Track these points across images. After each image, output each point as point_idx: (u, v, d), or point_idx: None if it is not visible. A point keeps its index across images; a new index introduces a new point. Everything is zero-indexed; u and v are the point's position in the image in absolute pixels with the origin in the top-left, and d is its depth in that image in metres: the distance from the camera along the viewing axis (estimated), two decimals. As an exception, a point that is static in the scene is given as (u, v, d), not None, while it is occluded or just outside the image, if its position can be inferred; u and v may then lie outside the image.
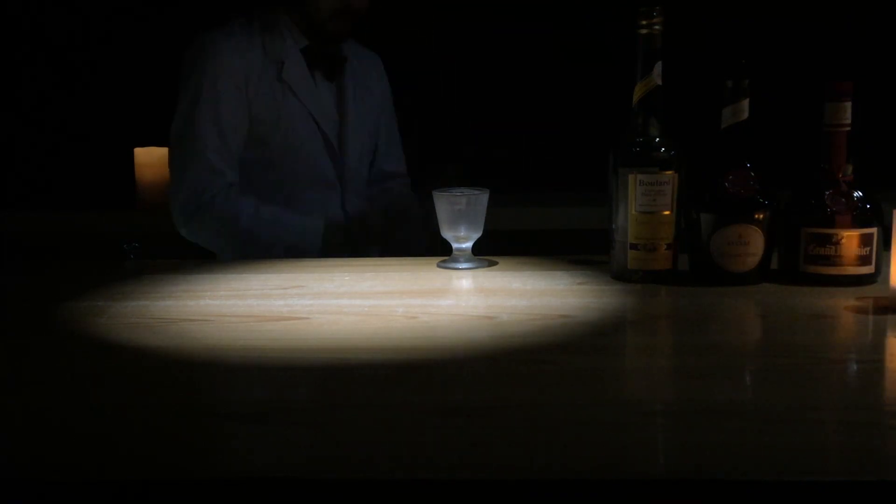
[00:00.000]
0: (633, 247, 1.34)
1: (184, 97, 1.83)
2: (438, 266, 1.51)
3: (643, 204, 1.32)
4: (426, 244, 1.86)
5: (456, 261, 1.51)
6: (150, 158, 2.59)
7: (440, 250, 1.56)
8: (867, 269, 1.30)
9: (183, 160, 1.82)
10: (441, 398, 0.89)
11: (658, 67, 1.31)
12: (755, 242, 1.30)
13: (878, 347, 1.08)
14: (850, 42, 2.62)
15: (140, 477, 0.72)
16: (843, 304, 1.21)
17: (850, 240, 1.28)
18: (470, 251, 1.51)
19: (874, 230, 1.29)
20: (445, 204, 1.47)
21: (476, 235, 1.50)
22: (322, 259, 1.67)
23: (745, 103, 1.30)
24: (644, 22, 1.31)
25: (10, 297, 1.41)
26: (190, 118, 1.81)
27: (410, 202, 2.01)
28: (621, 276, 1.37)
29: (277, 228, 1.82)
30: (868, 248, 1.29)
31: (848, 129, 1.29)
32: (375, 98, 2.02)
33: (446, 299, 1.30)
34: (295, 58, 1.86)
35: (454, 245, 1.51)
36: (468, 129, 2.86)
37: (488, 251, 1.58)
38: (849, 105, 1.29)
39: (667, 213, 1.32)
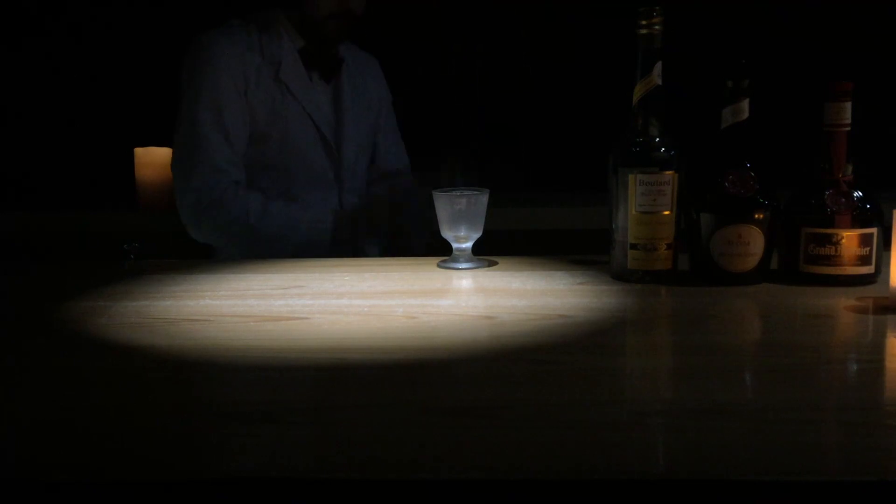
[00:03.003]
0: (633, 247, 1.34)
1: (185, 99, 1.84)
2: (438, 266, 1.51)
3: (643, 204, 1.32)
4: (428, 240, 1.86)
5: (456, 261, 1.51)
6: (150, 158, 2.59)
7: (441, 250, 1.56)
8: (867, 269, 1.30)
9: (188, 162, 1.82)
10: (441, 398, 0.89)
11: (658, 67, 1.31)
12: (755, 242, 1.30)
13: (878, 347, 1.08)
14: (850, 42, 2.62)
15: (140, 477, 0.72)
16: (843, 304, 1.21)
17: (850, 240, 1.29)
18: (470, 251, 1.51)
19: (874, 230, 1.29)
20: (445, 204, 1.47)
21: (476, 235, 1.50)
22: (322, 259, 1.67)
23: (745, 103, 1.30)
24: (644, 22, 1.31)
25: (10, 297, 1.41)
26: (193, 120, 1.81)
27: (414, 196, 2.01)
28: (621, 276, 1.37)
29: (287, 224, 1.82)
30: (868, 248, 1.29)
31: (848, 129, 1.29)
32: (372, 99, 2.03)
33: (446, 299, 1.30)
34: (292, 58, 1.86)
35: (454, 245, 1.51)
36: (468, 129, 2.86)
37: (488, 251, 1.58)
38: (849, 105, 1.29)
39: (667, 213, 1.32)
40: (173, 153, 1.88)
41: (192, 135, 1.81)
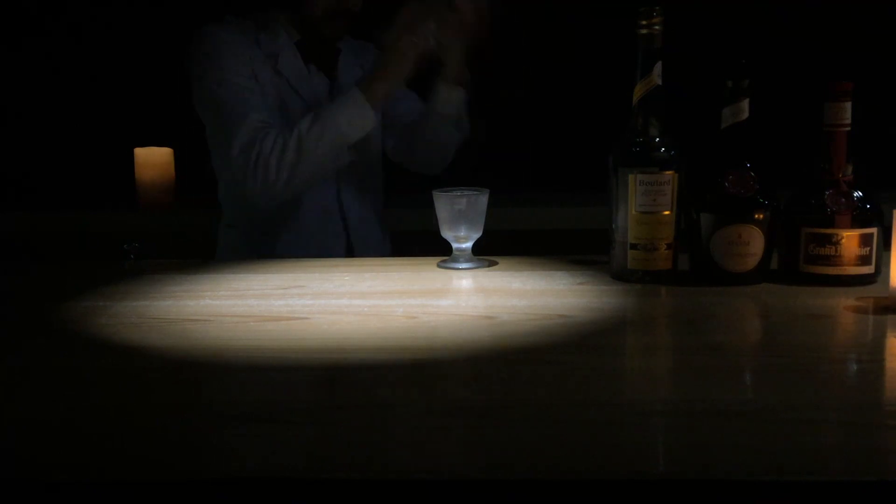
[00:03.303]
0: (633, 247, 1.34)
1: (198, 87, 1.82)
2: (438, 266, 1.51)
3: (643, 204, 1.32)
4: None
5: (456, 261, 1.51)
6: (150, 158, 2.59)
7: (442, 250, 1.56)
8: (867, 269, 1.30)
9: (223, 134, 1.78)
10: (441, 398, 0.89)
11: (658, 67, 1.31)
12: (755, 242, 1.30)
13: (878, 347, 1.08)
14: (850, 42, 2.62)
15: (140, 477, 0.72)
16: (843, 304, 1.21)
17: (850, 240, 1.29)
18: (470, 251, 1.51)
19: (874, 230, 1.29)
20: (445, 204, 1.47)
21: (476, 235, 1.50)
22: (322, 259, 1.67)
23: (745, 103, 1.30)
24: (644, 22, 1.31)
25: (10, 297, 1.41)
26: (211, 98, 1.78)
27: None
28: (621, 276, 1.37)
29: (325, 125, 1.75)
30: (868, 248, 1.29)
31: (848, 129, 1.29)
32: None
33: (446, 299, 1.30)
34: (289, 50, 1.87)
35: (454, 245, 1.51)
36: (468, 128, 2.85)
37: (488, 251, 1.58)
38: (849, 105, 1.29)
39: (667, 213, 1.32)
40: (208, 137, 1.86)
41: (216, 110, 1.79)
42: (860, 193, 1.29)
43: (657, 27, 1.31)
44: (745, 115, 1.30)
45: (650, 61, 1.31)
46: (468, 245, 1.51)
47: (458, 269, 1.49)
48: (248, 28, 1.86)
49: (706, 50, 1.99)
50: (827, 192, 1.29)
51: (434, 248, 1.57)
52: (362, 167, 1.99)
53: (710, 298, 1.26)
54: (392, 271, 1.49)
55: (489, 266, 1.51)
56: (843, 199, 1.29)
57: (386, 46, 1.77)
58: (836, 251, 1.29)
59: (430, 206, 1.50)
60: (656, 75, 1.31)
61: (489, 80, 2.72)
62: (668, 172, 1.31)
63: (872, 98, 1.50)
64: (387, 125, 2.01)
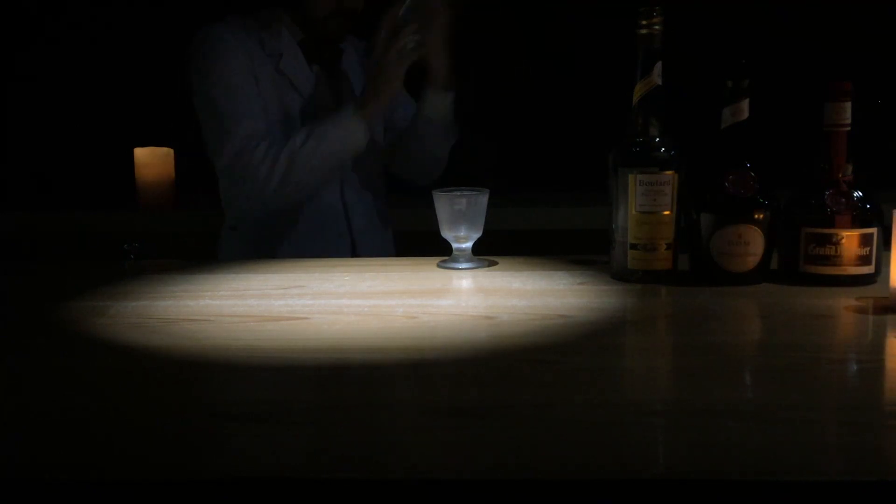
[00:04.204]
0: (633, 247, 1.34)
1: (197, 87, 1.82)
2: (438, 266, 1.51)
3: (643, 204, 1.32)
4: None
5: (456, 261, 1.51)
6: (150, 158, 2.59)
7: (441, 250, 1.56)
8: (867, 269, 1.30)
9: (218, 136, 1.78)
10: (441, 398, 0.89)
11: (658, 67, 1.31)
12: (755, 242, 1.30)
13: (878, 347, 1.08)
14: (850, 42, 2.62)
15: (140, 477, 0.72)
16: (843, 304, 1.21)
17: (850, 240, 1.29)
18: (470, 251, 1.51)
19: (874, 230, 1.29)
20: (445, 204, 1.47)
21: (476, 235, 1.50)
22: (322, 259, 1.67)
23: (745, 103, 1.30)
24: (644, 22, 1.31)
25: (10, 297, 1.41)
26: (209, 101, 1.79)
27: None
28: (621, 276, 1.37)
29: (319, 142, 1.76)
30: (868, 248, 1.29)
31: (848, 129, 1.29)
32: None
33: (446, 299, 1.30)
34: (292, 50, 1.86)
35: (454, 245, 1.51)
36: (468, 128, 2.85)
37: (488, 251, 1.58)
38: (849, 105, 1.29)
39: (667, 213, 1.32)
40: (204, 136, 1.85)
41: (211, 113, 1.79)
42: (860, 193, 1.29)
43: (657, 27, 1.31)
44: (745, 115, 1.30)
45: (650, 61, 1.31)
46: (468, 245, 1.51)
47: (458, 269, 1.49)
48: (250, 27, 1.86)
49: (706, 50, 1.99)
50: (827, 192, 1.29)
51: (436, 247, 1.57)
52: (366, 168, 1.99)
53: (710, 298, 1.26)
54: (392, 271, 1.49)
55: (489, 266, 1.51)
56: (843, 199, 1.29)
57: (374, 62, 1.77)
58: (836, 251, 1.29)
59: (431, 205, 1.50)
60: (656, 75, 1.31)
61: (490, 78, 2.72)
62: (668, 172, 1.31)
63: (872, 98, 1.50)
64: (386, 128, 2.01)
